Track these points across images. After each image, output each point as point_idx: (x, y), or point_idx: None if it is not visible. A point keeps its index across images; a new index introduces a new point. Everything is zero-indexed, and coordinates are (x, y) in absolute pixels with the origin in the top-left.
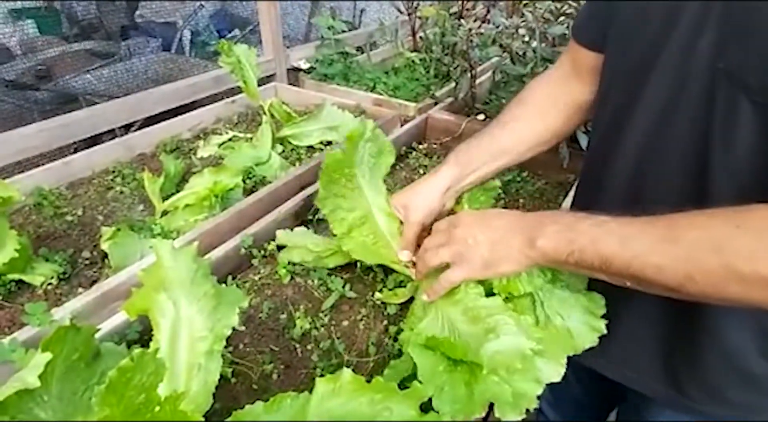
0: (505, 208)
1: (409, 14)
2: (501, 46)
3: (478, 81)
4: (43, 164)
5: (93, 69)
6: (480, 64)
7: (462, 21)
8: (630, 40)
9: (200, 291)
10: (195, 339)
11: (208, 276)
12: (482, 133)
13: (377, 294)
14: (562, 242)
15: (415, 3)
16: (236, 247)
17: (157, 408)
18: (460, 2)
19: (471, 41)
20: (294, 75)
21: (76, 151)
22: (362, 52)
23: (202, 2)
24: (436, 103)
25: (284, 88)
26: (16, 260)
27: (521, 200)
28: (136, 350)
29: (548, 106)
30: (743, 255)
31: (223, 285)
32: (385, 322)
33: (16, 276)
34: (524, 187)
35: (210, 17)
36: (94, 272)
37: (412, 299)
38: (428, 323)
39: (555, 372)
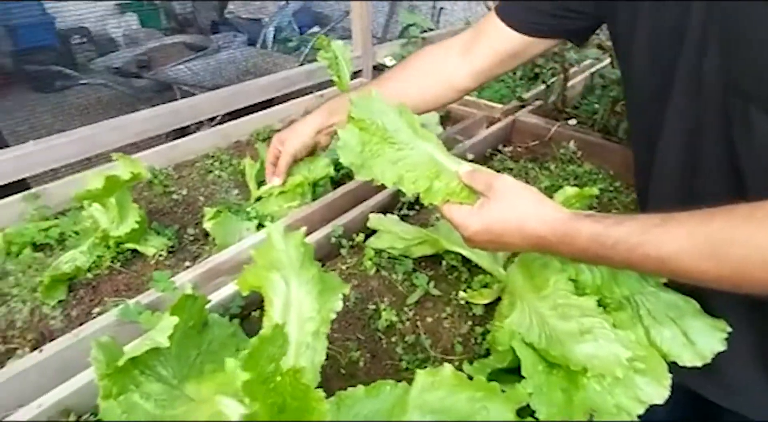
0: None
1: None
2: (600, 47)
3: (569, 83)
4: (152, 147)
5: (187, 60)
6: (572, 66)
7: None
8: (644, 66)
9: (308, 274)
10: (304, 320)
11: (313, 261)
12: (361, 87)
13: (461, 294)
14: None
15: None
16: (327, 236)
17: (279, 378)
18: None
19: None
20: (377, 72)
21: (174, 137)
22: None
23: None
24: (522, 106)
25: None
26: (135, 231)
27: (614, 211)
28: (275, 322)
29: (427, 78)
30: None
31: None
32: (470, 323)
33: (132, 246)
34: (618, 197)
35: (293, 14)
36: (197, 248)
37: (497, 301)
38: (516, 317)
39: (658, 393)
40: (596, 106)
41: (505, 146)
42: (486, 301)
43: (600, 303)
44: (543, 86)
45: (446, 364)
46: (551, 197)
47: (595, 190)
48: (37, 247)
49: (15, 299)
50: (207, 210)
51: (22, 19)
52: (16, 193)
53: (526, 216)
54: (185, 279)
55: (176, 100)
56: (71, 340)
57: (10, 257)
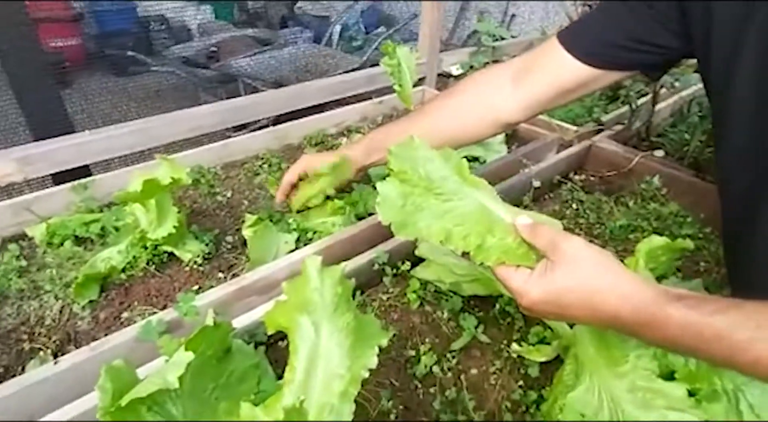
0: (678, 271)
1: None
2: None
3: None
4: (204, 143)
5: (252, 54)
6: (662, 88)
7: None
8: (749, 108)
9: (342, 321)
10: (331, 376)
11: (350, 304)
12: (401, 119)
13: (515, 346)
14: None
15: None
16: (370, 262)
17: None
18: None
19: None
20: (442, 80)
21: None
22: None
23: None
24: (600, 130)
25: (432, 93)
26: (173, 235)
27: (702, 264)
28: (289, 405)
29: (475, 111)
30: None
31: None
32: (522, 383)
33: (169, 249)
34: (707, 246)
35: (360, 13)
36: (233, 257)
37: (555, 359)
38: (582, 394)
39: None
40: (686, 136)
41: (576, 174)
42: (543, 359)
43: (690, 392)
44: (624, 108)
45: None
46: (626, 237)
47: (689, 244)
48: (77, 240)
49: (48, 294)
50: (248, 216)
51: (106, 4)
52: (79, 178)
53: (600, 289)
54: (215, 296)
55: (239, 92)
56: (88, 354)
57: (51, 248)
